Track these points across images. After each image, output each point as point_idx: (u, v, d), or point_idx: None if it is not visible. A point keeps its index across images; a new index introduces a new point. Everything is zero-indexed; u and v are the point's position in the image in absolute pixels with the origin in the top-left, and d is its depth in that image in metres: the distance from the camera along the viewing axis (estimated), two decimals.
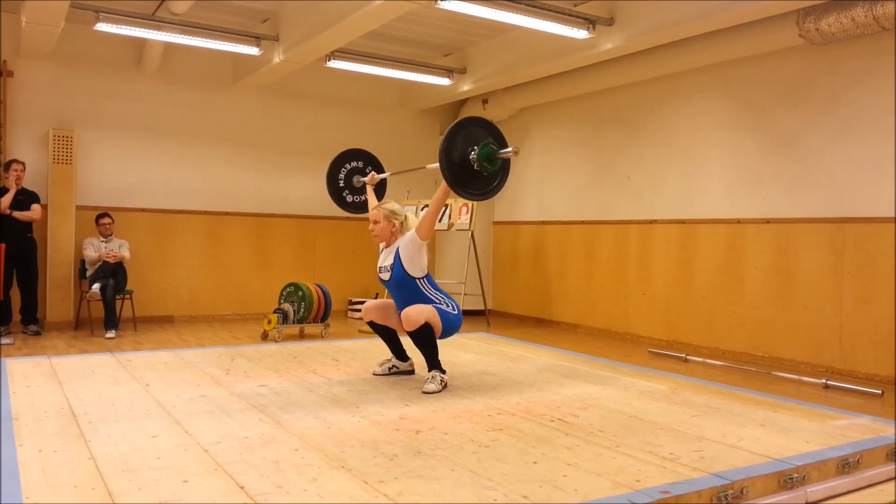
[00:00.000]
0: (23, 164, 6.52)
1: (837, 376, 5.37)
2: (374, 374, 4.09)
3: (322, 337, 6.69)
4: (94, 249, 6.86)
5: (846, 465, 2.64)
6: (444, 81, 7.92)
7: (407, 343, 4.13)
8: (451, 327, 3.77)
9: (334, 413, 3.16)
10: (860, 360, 5.41)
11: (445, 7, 5.36)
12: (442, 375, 3.73)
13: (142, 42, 7.16)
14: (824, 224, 5.67)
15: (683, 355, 6.11)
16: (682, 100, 6.88)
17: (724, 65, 6.38)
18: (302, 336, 6.82)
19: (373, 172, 4.59)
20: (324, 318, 6.82)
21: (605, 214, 7.69)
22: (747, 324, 6.19)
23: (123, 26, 6.23)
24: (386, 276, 3.88)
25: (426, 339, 3.71)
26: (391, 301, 4.04)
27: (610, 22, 5.95)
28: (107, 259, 6.76)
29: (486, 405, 3.38)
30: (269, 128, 8.35)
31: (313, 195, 8.54)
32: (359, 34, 6.17)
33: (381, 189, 4.62)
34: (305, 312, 6.65)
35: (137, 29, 6.33)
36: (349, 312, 8.58)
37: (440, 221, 8.09)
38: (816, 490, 2.51)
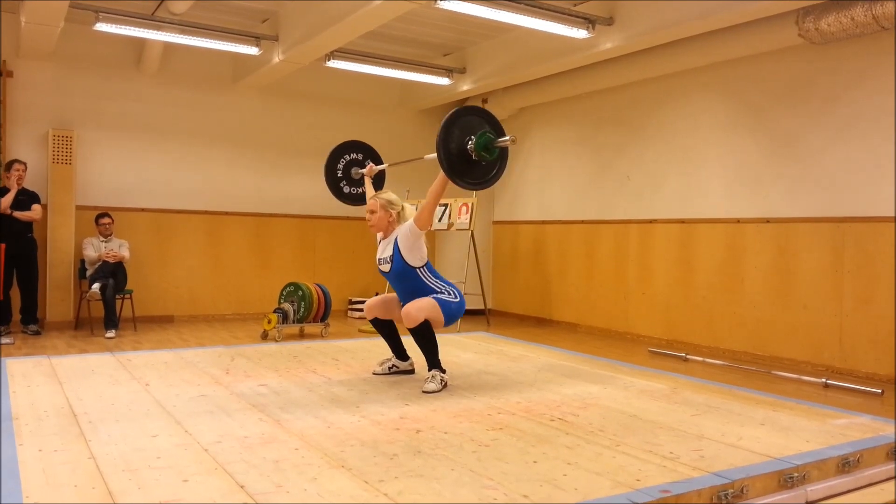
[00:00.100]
0: (24, 164, 6.53)
1: (837, 375, 5.38)
2: (374, 374, 4.08)
3: (322, 336, 6.69)
4: (94, 249, 6.86)
5: (846, 465, 2.64)
6: (443, 81, 7.92)
7: (407, 343, 4.13)
8: (452, 316, 3.77)
9: (334, 412, 3.16)
10: (860, 359, 5.41)
11: (445, 7, 5.36)
12: (442, 375, 3.73)
13: (141, 42, 7.16)
14: (824, 224, 5.68)
15: (683, 355, 6.11)
16: (681, 99, 6.88)
17: (724, 64, 6.38)
18: (302, 336, 6.83)
19: (371, 164, 4.59)
20: (324, 318, 6.83)
21: (605, 214, 7.69)
22: (747, 323, 6.19)
23: (123, 26, 6.23)
24: (386, 267, 3.87)
25: (426, 336, 3.71)
26: (392, 295, 4.04)
27: (609, 22, 5.96)
28: (107, 259, 6.76)
29: (486, 404, 3.38)
30: (268, 128, 8.35)
31: (313, 195, 8.55)
32: (358, 34, 6.17)
33: (379, 181, 4.61)
34: (305, 312, 6.65)
35: (137, 29, 6.33)
36: (349, 312, 8.58)
37: (440, 221, 8.09)
38: (816, 489, 2.51)
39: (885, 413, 4.04)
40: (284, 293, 6.86)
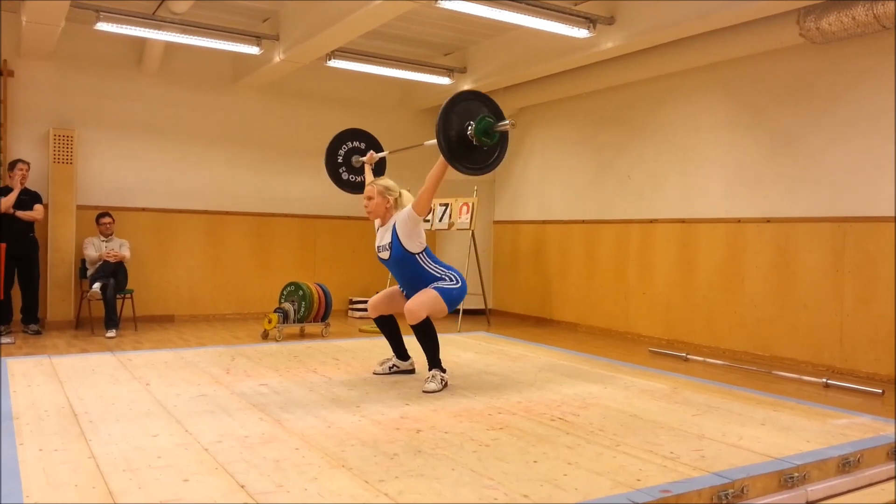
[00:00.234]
0: (27, 163, 6.54)
1: (838, 375, 5.37)
2: (374, 374, 4.08)
3: (322, 336, 6.69)
4: (95, 249, 6.86)
5: (846, 465, 2.64)
6: (444, 81, 7.92)
7: (408, 343, 4.13)
8: (454, 301, 3.76)
9: (335, 412, 3.16)
10: (860, 359, 5.41)
11: (446, 6, 5.36)
12: (442, 374, 3.73)
13: (142, 41, 7.16)
14: (824, 223, 5.67)
15: (684, 354, 6.11)
16: (682, 99, 6.88)
17: (725, 64, 6.38)
18: (302, 335, 6.83)
19: (371, 152, 4.58)
20: (324, 318, 6.83)
21: (605, 214, 7.68)
22: (747, 323, 6.19)
23: (124, 26, 6.23)
24: (385, 254, 3.86)
25: (428, 334, 3.72)
26: (395, 288, 4.03)
27: (610, 21, 5.95)
28: (107, 258, 6.77)
29: (487, 404, 3.38)
30: (269, 127, 8.36)
31: (314, 195, 8.56)
32: (359, 33, 6.17)
33: (380, 169, 4.60)
34: (306, 312, 6.65)
35: (138, 28, 6.33)
36: (350, 312, 8.58)
37: (440, 221, 8.09)
38: (817, 489, 2.51)
39: (886, 413, 4.04)
40: (285, 293, 6.87)
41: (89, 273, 6.83)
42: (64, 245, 7.02)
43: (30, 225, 6.53)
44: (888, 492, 2.62)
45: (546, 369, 4.35)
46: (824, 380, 5.11)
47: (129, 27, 6.26)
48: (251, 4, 6.75)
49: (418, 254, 3.79)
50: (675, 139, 6.93)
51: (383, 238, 3.89)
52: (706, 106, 6.66)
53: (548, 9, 5.69)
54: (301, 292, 6.69)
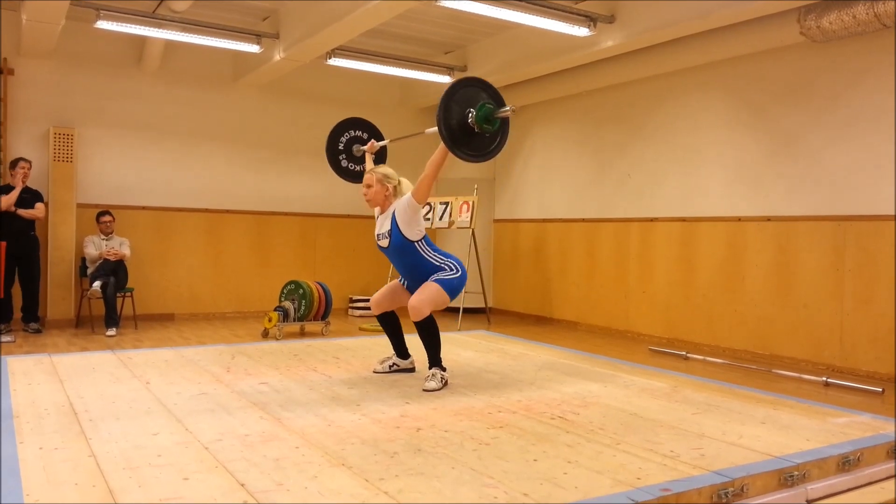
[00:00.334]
0: (29, 162, 6.54)
1: (838, 374, 5.37)
2: (374, 372, 4.08)
3: (323, 335, 6.69)
4: (95, 247, 6.86)
5: (846, 463, 2.64)
6: (444, 79, 7.91)
7: (409, 341, 4.13)
8: (455, 291, 3.77)
9: (335, 411, 3.16)
10: (860, 357, 5.41)
11: (446, 5, 5.36)
12: (442, 373, 3.73)
13: (142, 40, 7.16)
14: (825, 222, 5.67)
15: (684, 353, 6.11)
16: (682, 98, 6.87)
17: (725, 63, 6.37)
18: (302, 334, 6.83)
19: (372, 140, 4.57)
20: (324, 316, 6.83)
21: (605, 212, 7.68)
22: (748, 322, 6.19)
23: (124, 24, 6.22)
24: (384, 242, 3.86)
25: (430, 332, 3.72)
26: (394, 283, 4.03)
27: (611, 20, 5.95)
28: (107, 257, 6.77)
29: (487, 403, 3.38)
30: (269, 126, 8.35)
31: (314, 193, 8.56)
32: (359, 32, 6.16)
33: (381, 158, 4.60)
34: (306, 310, 6.65)
35: (138, 27, 6.33)
36: (350, 310, 8.58)
37: (440, 219, 8.09)
38: (817, 488, 2.51)
39: (886, 412, 4.04)
40: (285, 291, 6.87)
41: (89, 271, 6.83)
42: (64, 243, 7.02)
43: (31, 223, 6.53)
44: (888, 490, 2.62)
45: (546, 368, 4.35)
46: (824, 378, 5.11)
47: (129, 25, 6.26)
48: (251, 3, 6.75)
49: (417, 241, 3.78)
50: (676, 138, 6.93)
51: (382, 226, 3.88)
52: (706, 104, 6.66)
53: (548, 7, 5.69)
54: (301, 291, 6.69)
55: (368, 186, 3.92)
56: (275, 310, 6.59)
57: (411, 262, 3.80)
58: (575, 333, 7.53)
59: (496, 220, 9.27)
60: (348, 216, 8.73)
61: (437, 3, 5.29)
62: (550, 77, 7.54)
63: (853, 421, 3.19)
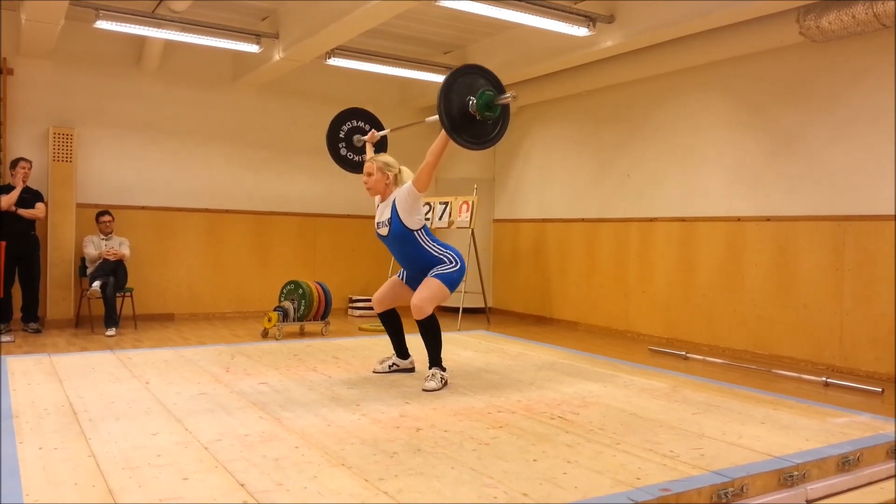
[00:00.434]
0: (30, 162, 6.54)
1: (837, 374, 5.37)
2: (374, 372, 4.08)
3: (322, 335, 6.69)
4: (95, 247, 6.86)
5: (846, 463, 2.64)
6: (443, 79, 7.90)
7: (409, 341, 4.13)
8: (454, 284, 3.76)
9: (335, 411, 3.16)
10: (860, 357, 5.41)
11: (445, 5, 5.36)
12: (442, 373, 3.73)
13: (142, 40, 7.16)
14: (824, 222, 5.67)
15: (683, 353, 6.11)
16: (682, 98, 6.87)
17: (725, 62, 6.37)
18: (302, 334, 6.83)
19: (373, 130, 4.57)
20: (324, 316, 6.83)
21: (605, 212, 7.68)
22: (747, 322, 6.19)
23: (123, 24, 6.22)
24: (384, 230, 3.85)
25: (432, 331, 3.73)
26: (394, 279, 4.03)
27: (610, 20, 5.95)
28: (107, 257, 6.77)
29: (487, 403, 3.38)
30: (269, 126, 8.35)
31: (313, 193, 8.56)
32: (359, 32, 6.16)
33: (381, 148, 4.59)
34: (306, 310, 6.65)
35: (137, 27, 6.33)
36: (349, 310, 8.58)
37: (440, 219, 8.08)
38: (816, 488, 2.51)
39: (886, 412, 4.04)
40: (285, 291, 6.87)
41: (89, 271, 6.83)
42: (64, 243, 7.02)
43: (31, 223, 6.53)
44: (888, 490, 2.62)
45: (546, 368, 4.35)
46: (824, 378, 5.11)
47: (128, 25, 6.26)
48: (251, 3, 6.75)
49: (417, 231, 3.78)
50: (675, 138, 6.93)
51: (382, 214, 3.87)
52: (706, 104, 6.66)
53: (547, 7, 5.69)
54: (301, 291, 6.69)
55: (369, 174, 3.91)
56: (274, 310, 6.59)
57: (410, 251, 3.80)
58: (575, 333, 7.53)
59: (496, 220, 9.27)
60: (348, 216, 8.73)
61: (437, 3, 5.29)
62: (550, 77, 7.54)
63: (853, 421, 3.19)
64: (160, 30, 6.44)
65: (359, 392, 3.57)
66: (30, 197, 6.51)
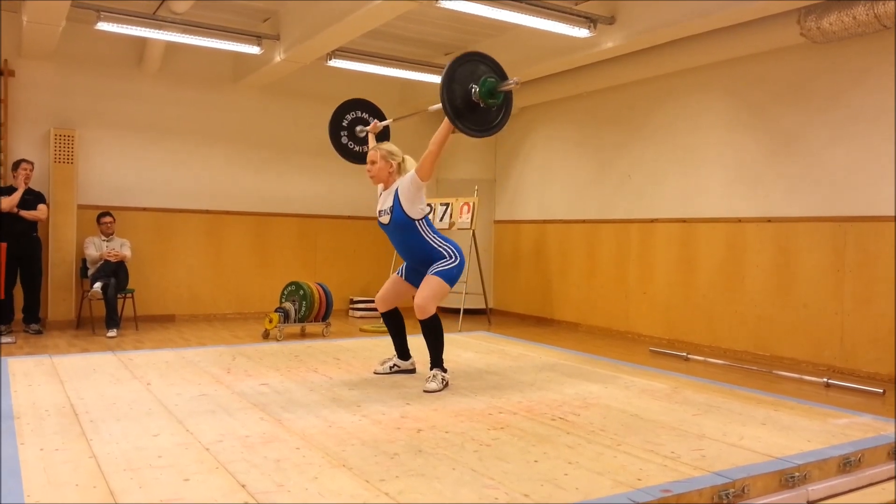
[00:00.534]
0: (32, 163, 6.55)
1: (838, 375, 5.37)
2: (375, 373, 4.08)
3: (323, 336, 6.69)
4: (96, 248, 6.87)
5: (847, 464, 2.64)
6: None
7: (409, 343, 4.13)
8: (454, 279, 3.77)
9: (335, 412, 3.16)
10: (861, 358, 5.41)
11: (446, 6, 5.36)
12: (443, 374, 3.73)
13: (143, 41, 7.16)
14: (825, 223, 5.67)
15: (684, 354, 6.11)
16: (682, 98, 6.87)
17: (725, 63, 6.37)
18: (303, 335, 6.83)
19: (375, 121, 4.57)
20: (325, 317, 6.83)
21: (605, 213, 7.68)
22: (748, 322, 6.19)
23: (124, 25, 6.23)
24: (385, 219, 3.85)
25: (435, 332, 3.74)
26: (394, 277, 4.03)
27: (611, 21, 5.95)
28: (108, 258, 6.77)
29: (488, 404, 3.38)
30: (269, 127, 8.35)
31: (314, 194, 8.56)
32: (360, 33, 6.17)
33: (384, 138, 4.60)
34: (307, 311, 6.65)
35: (138, 28, 6.33)
36: (350, 311, 8.58)
37: (441, 220, 8.09)
38: (817, 489, 2.51)
39: (886, 413, 4.04)
40: (285, 292, 6.87)
41: (90, 273, 6.84)
42: (65, 245, 7.03)
43: (33, 225, 6.53)
44: (889, 491, 2.62)
45: (547, 369, 4.35)
46: (825, 379, 5.11)
47: (129, 27, 6.26)
48: (252, 4, 6.75)
49: (418, 220, 3.78)
50: (676, 139, 6.93)
51: (385, 202, 3.88)
52: (706, 105, 6.66)
53: (548, 8, 5.69)
54: (302, 292, 6.69)
55: (372, 163, 3.92)
56: (275, 311, 6.59)
57: (411, 240, 3.80)
58: (575, 334, 7.53)
59: (496, 222, 9.27)
60: (349, 217, 8.73)
61: (437, 5, 5.30)
62: (550, 78, 7.54)
63: (854, 422, 3.19)
64: (161, 31, 6.44)
65: (360, 393, 3.57)
66: (31, 198, 6.52)
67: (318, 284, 6.86)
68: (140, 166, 7.61)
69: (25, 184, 6.44)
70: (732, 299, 6.33)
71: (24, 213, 6.39)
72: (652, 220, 7.14)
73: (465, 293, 7.79)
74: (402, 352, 4.13)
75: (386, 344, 4.24)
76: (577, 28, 5.91)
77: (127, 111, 7.53)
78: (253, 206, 8.24)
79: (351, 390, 3.63)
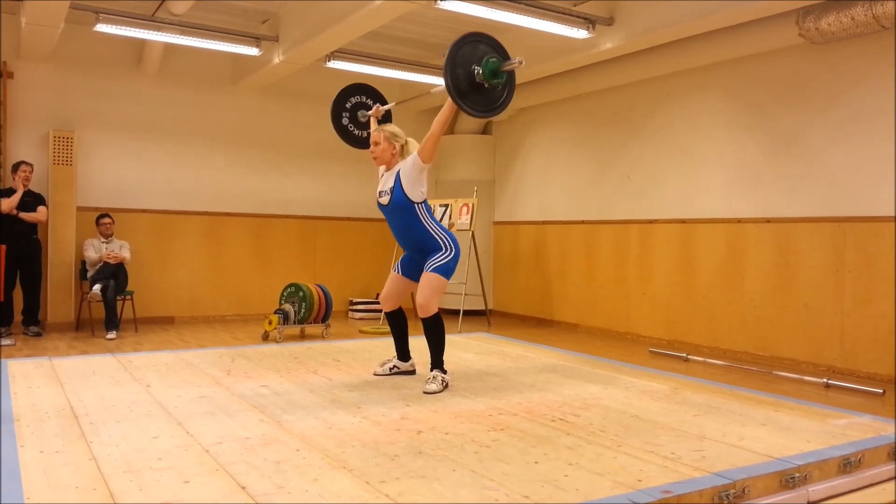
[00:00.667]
0: (31, 165, 6.55)
1: (838, 375, 5.37)
2: (375, 375, 4.08)
3: (323, 337, 6.69)
4: (95, 250, 6.86)
5: (847, 465, 2.63)
6: (444, 81, 7.90)
7: (411, 343, 4.13)
8: (451, 271, 3.78)
9: (335, 413, 3.16)
10: (861, 358, 5.41)
11: (445, 7, 5.37)
12: (443, 375, 3.73)
13: (142, 43, 7.17)
14: (825, 223, 5.67)
15: (684, 355, 6.11)
16: (682, 99, 6.88)
17: (724, 64, 6.38)
18: (303, 336, 6.83)
19: (377, 105, 4.57)
20: (324, 319, 6.83)
21: (605, 214, 7.68)
22: (748, 323, 6.19)
23: (123, 27, 6.23)
24: (385, 199, 3.84)
25: (436, 331, 3.74)
26: (394, 275, 4.02)
27: (610, 21, 5.95)
28: (107, 260, 6.77)
29: (487, 405, 3.38)
30: (269, 128, 8.36)
31: (314, 195, 8.56)
32: (358, 34, 6.17)
33: (386, 122, 4.60)
34: (306, 313, 6.65)
35: (137, 30, 6.33)
36: (350, 313, 8.58)
37: (441, 220, 8.08)
38: (818, 489, 2.51)
39: (887, 413, 4.04)
40: (285, 294, 6.86)
41: (89, 274, 6.83)
42: (64, 246, 7.02)
43: (33, 226, 6.53)
44: (889, 492, 2.62)
45: (546, 370, 4.35)
46: (825, 380, 5.11)
47: (128, 29, 6.26)
48: (250, 6, 6.75)
49: (418, 203, 3.78)
50: (675, 139, 6.94)
51: (386, 183, 3.87)
52: (706, 106, 6.66)
53: (547, 9, 5.69)
54: (301, 293, 6.69)
55: (376, 144, 3.92)
56: (275, 312, 6.58)
57: (407, 223, 3.79)
58: (575, 335, 7.53)
59: (496, 223, 9.28)
60: (348, 218, 8.73)
61: (436, 6, 5.30)
62: (550, 79, 7.55)
63: (854, 422, 3.18)
64: (160, 33, 6.44)
65: (359, 394, 3.57)
66: (31, 200, 6.52)
67: (318, 286, 6.86)
68: (139, 168, 7.62)
69: (25, 185, 6.45)
70: (732, 300, 6.33)
71: (24, 215, 6.39)
72: (652, 221, 7.14)
73: (465, 294, 7.79)
74: (403, 353, 4.13)
75: (385, 345, 4.24)
76: (575, 29, 5.91)
77: (126, 113, 7.54)
78: (252, 207, 8.24)
79: (351, 392, 3.63)
